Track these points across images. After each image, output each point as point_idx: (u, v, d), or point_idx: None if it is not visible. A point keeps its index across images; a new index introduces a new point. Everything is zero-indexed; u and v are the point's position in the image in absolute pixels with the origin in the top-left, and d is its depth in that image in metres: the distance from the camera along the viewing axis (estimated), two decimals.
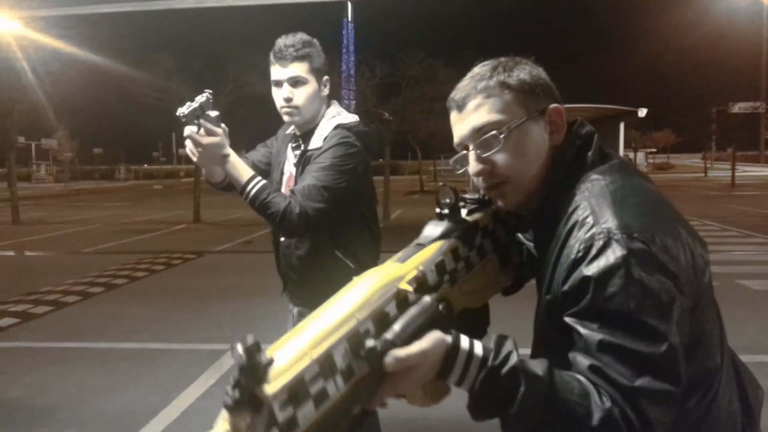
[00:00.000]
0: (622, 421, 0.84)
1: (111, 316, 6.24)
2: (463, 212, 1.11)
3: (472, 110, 1.06)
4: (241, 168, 1.93)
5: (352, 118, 2.14)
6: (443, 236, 1.03)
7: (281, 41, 2.05)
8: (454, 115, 1.10)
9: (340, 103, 2.25)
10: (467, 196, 1.16)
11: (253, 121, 15.18)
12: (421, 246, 1.01)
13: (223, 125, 1.88)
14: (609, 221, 0.92)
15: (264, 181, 1.95)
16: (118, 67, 17.08)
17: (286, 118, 2.11)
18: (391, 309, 0.86)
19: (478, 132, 1.05)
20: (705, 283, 0.99)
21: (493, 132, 1.04)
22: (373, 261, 2.21)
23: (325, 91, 2.14)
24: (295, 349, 0.74)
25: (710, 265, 1.02)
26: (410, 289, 0.91)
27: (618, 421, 0.84)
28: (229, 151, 1.90)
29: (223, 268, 9.33)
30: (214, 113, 1.85)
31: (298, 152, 2.16)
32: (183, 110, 1.81)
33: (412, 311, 0.87)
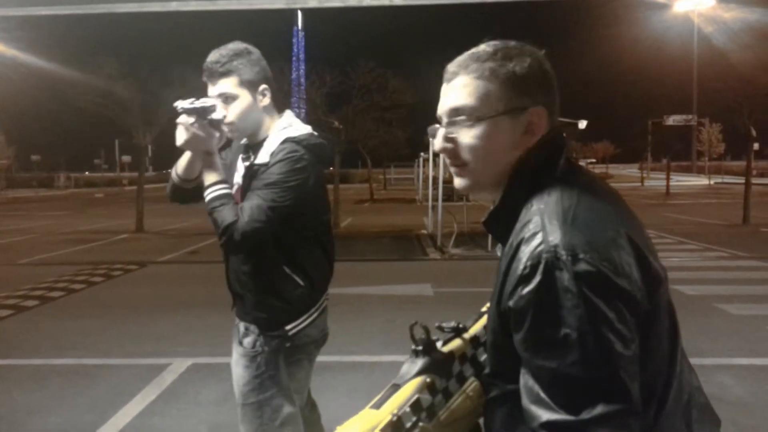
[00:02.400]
0: None
1: (45, 331, 6.01)
2: (439, 344, 1.11)
3: (457, 88, 1.08)
4: (215, 170, 1.97)
5: (303, 129, 2.07)
6: (419, 373, 1.03)
7: (209, 58, 2.01)
8: (443, 86, 1.11)
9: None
10: (444, 324, 1.16)
11: None
12: (397, 386, 1.01)
13: (225, 129, 1.98)
14: (556, 238, 0.92)
15: (226, 190, 1.93)
16: (59, 71, 16.42)
17: (227, 134, 2.07)
18: None
19: (453, 112, 1.08)
20: (660, 300, 0.98)
21: (463, 117, 1.06)
22: (325, 277, 2.17)
23: (265, 101, 2.06)
24: None
25: (667, 282, 1.00)
26: None
27: None
28: (215, 151, 1.97)
29: (167, 280, 9.09)
30: (218, 116, 1.93)
31: (247, 164, 2.10)
32: (184, 104, 1.89)
33: None
